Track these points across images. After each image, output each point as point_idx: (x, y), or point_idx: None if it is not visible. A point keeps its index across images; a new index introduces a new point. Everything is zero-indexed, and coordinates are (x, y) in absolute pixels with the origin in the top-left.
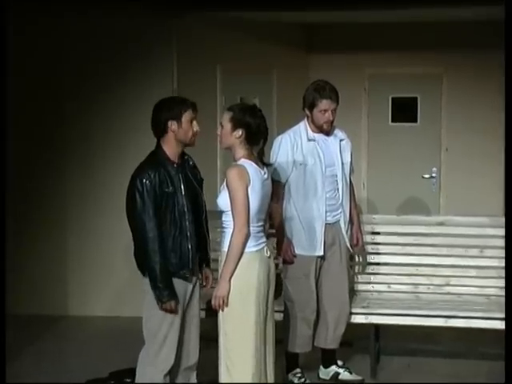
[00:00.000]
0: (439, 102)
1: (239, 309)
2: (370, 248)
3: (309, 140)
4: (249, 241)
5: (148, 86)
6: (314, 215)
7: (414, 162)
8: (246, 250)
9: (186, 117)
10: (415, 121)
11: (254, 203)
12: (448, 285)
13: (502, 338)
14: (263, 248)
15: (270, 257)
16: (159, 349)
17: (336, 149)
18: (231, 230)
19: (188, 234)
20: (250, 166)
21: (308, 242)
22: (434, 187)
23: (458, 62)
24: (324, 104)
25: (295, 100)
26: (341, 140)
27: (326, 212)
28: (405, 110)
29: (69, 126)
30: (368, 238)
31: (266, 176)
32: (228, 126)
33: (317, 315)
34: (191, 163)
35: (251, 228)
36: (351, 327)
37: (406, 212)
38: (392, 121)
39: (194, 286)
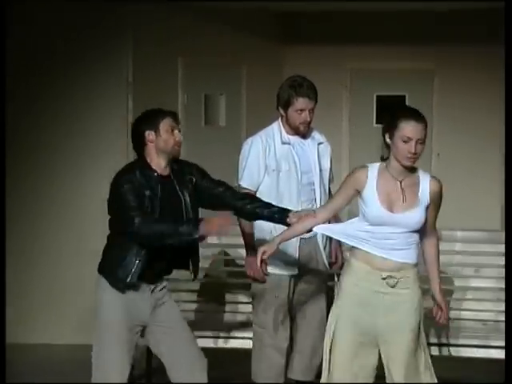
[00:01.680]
0: (430, 101)
1: None
2: None
3: (283, 143)
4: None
5: (101, 81)
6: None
7: None
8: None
9: (165, 125)
10: None
11: None
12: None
13: (500, 369)
14: None
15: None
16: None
17: (313, 153)
18: (416, 246)
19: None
20: None
21: (281, 259)
22: None
23: (450, 57)
24: (300, 103)
25: (268, 98)
26: (319, 143)
27: None
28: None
29: (12, 125)
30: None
31: None
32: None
33: (290, 343)
34: (187, 174)
35: None
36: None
37: None
38: (377, 122)
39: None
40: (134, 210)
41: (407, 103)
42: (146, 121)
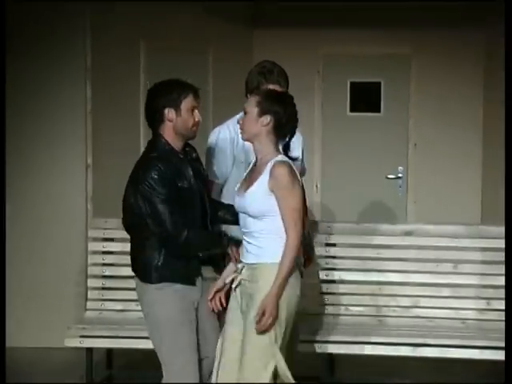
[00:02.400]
0: (407, 88)
1: (277, 333)
2: (323, 263)
3: None
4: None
5: (57, 68)
6: None
7: (377, 159)
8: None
9: (187, 104)
10: (378, 110)
11: None
12: (417, 306)
13: (479, 370)
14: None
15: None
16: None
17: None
18: (273, 241)
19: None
20: (291, 162)
21: None
22: (400, 190)
23: (429, 42)
24: None
25: (236, 85)
26: None
27: None
28: (366, 98)
29: None
30: (321, 251)
31: None
32: (254, 111)
33: None
34: (194, 155)
35: None
36: (301, 358)
37: (367, 219)
38: (351, 110)
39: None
40: (171, 222)
41: (383, 90)
42: (167, 96)
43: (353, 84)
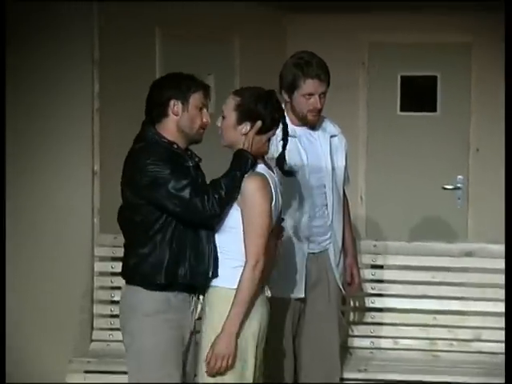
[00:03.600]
0: (467, 83)
1: (236, 370)
2: (369, 288)
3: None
4: None
5: (60, 60)
6: (293, 241)
7: (432, 167)
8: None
9: (196, 100)
10: (434, 109)
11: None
12: (478, 340)
13: None
14: (264, 285)
15: (268, 297)
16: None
17: (325, 148)
18: (234, 261)
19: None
20: (270, 176)
21: (284, 279)
22: (459, 203)
23: (493, 28)
24: (309, 85)
25: (267, 79)
26: (332, 136)
27: (309, 237)
28: (419, 95)
29: None
30: (367, 274)
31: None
32: (232, 116)
33: (295, 379)
34: (197, 160)
35: None
36: None
37: (420, 237)
38: (401, 109)
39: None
40: (186, 186)
41: (439, 85)
42: (174, 86)
43: (404, 78)
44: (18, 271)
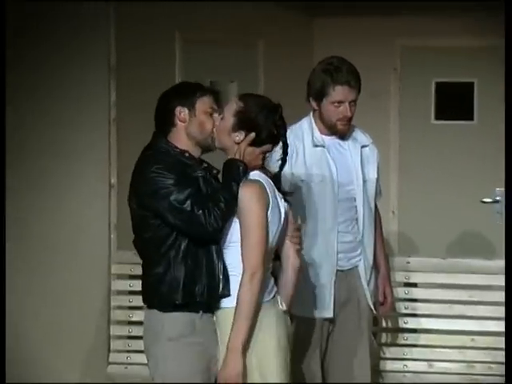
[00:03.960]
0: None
1: None
2: (402, 307)
3: (315, 145)
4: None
5: (74, 66)
6: (321, 258)
7: (470, 178)
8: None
9: (203, 104)
10: (471, 118)
11: (272, 235)
12: None
13: None
14: (276, 298)
15: (286, 311)
16: None
17: (355, 159)
18: (238, 277)
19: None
20: (266, 182)
21: (311, 298)
22: (498, 217)
23: None
24: (339, 92)
25: (294, 86)
26: (363, 146)
27: (337, 253)
28: (455, 102)
29: None
30: (400, 292)
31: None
32: (229, 121)
33: None
34: (214, 172)
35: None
36: None
37: (457, 254)
38: (436, 117)
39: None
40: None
41: (476, 92)
42: (179, 94)
43: (439, 85)
44: (32, 290)
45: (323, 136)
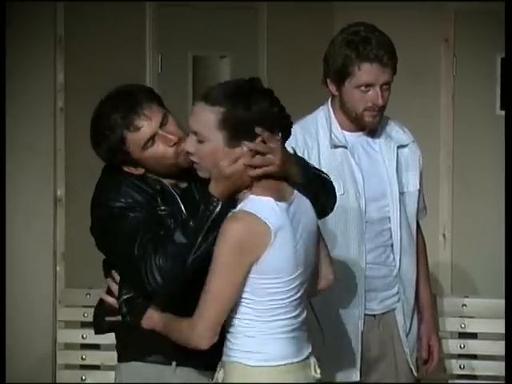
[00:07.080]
0: None
1: None
2: (456, 367)
3: (334, 146)
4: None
5: (20, 38)
6: (344, 299)
7: None
8: (281, 360)
9: (143, 135)
10: None
11: (284, 287)
12: None
13: None
14: (310, 360)
15: (319, 380)
16: None
17: (390, 164)
18: (248, 330)
19: None
20: (271, 212)
21: (331, 355)
22: None
23: None
24: (367, 72)
25: (307, 63)
26: (400, 147)
27: (366, 292)
28: None
29: None
30: (454, 346)
31: (304, 217)
32: (217, 137)
33: None
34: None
35: (287, 322)
36: None
37: None
38: (502, 107)
39: None
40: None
41: None
42: (121, 115)
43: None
44: None
45: (345, 132)
